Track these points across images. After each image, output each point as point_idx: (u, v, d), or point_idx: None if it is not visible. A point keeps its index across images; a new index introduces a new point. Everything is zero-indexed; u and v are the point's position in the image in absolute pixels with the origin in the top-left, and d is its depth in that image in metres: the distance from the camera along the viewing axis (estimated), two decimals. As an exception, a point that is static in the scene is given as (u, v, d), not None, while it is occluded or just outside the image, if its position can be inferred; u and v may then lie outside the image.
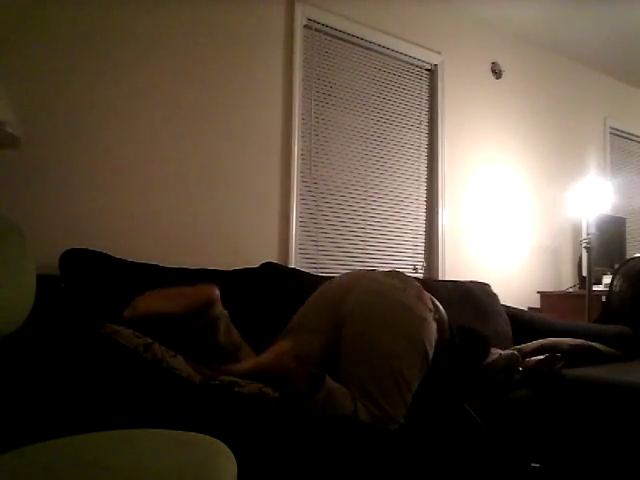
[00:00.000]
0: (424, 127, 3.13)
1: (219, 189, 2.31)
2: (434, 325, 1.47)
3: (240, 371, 1.29)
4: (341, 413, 1.30)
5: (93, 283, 1.66)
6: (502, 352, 1.91)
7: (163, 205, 2.16)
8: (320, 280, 1.90)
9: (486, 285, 2.79)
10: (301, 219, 2.57)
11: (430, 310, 1.48)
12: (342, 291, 1.53)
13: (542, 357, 1.98)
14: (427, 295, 1.52)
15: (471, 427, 1.47)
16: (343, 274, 1.69)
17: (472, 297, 2.60)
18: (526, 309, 3.19)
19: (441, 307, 1.56)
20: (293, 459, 1.14)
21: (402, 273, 1.58)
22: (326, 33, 2.72)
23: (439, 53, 3.15)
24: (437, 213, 3.08)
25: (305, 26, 2.63)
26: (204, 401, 1.15)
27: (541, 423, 1.80)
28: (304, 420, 1.24)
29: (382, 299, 1.44)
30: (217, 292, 1.48)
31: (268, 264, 2.15)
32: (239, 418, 1.15)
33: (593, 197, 3.21)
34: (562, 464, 1.83)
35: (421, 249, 3.06)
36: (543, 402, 1.85)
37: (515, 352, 1.89)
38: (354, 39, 2.81)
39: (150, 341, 1.23)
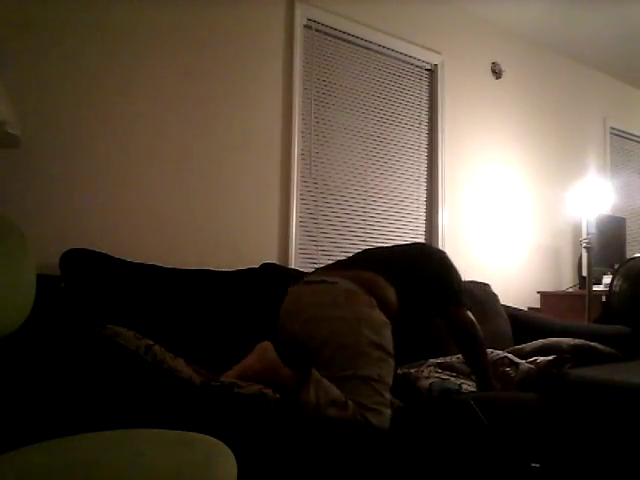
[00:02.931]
0: (424, 127, 3.13)
1: (219, 189, 2.31)
2: (375, 313, 1.56)
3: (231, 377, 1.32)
4: (333, 398, 1.33)
5: (93, 283, 1.66)
6: (520, 363, 1.89)
7: (163, 205, 2.16)
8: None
9: (486, 285, 2.79)
10: (301, 219, 2.57)
11: (365, 303, 1.56)
12: (290, 321, 1.62)
13: (551, 358, 1.96)
14: (356, 289, 1.58)
15: (474, 425, 1.47)
16: (288, 297, 1.71)
17: (472, 297, 2.59)
18: (526, 309, 3.19)
19: (383, 283, 1.65)
20: (293, 459, 1.14)
21: (324, 282, 1.64)
22: (326, 33, 2.72)
23: (439, 53, 3.15)
24: (437, 213, 3.08)
25: (305, 26, 2.63)
26: (205, 402, 1.15)
27: (541, 422, 1.80)
28: (304, 421, 1.24)
29: (317, 326, 1.52)
30: (271, 349, 1.52)
31: (268, 264, 2.15)
32: (239, 419, 1.15)
33: (593, 197, 3.21)
34: (562, 464, 1.83)
35: (421, 249, 3.05)
36: (543, 402, 1.84)
37: (533, 367, 1.88)
38: (354, 39, 2.81)
39: (151, 343, 1.23)
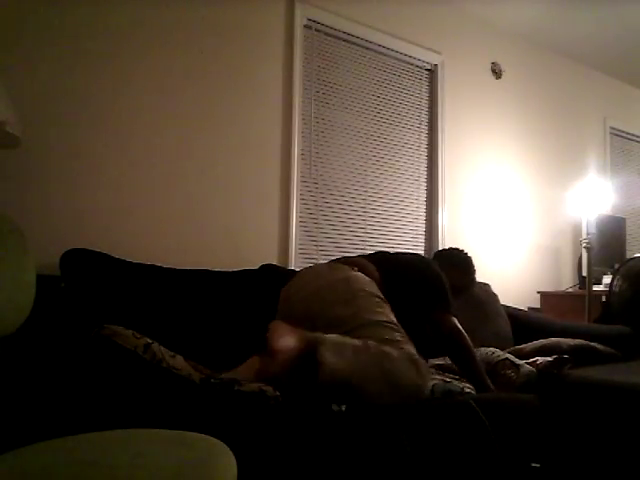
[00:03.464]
0: (424, 127, 3.13)
1: (219, 189, 2.31)
2: (360, 274, 1.67)
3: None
4: (352, 345, 1.35)
5: (93, 283, 1.66)
6: (520, 365, 1.88)
7: (163, 205, 2.16)
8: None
9: (486, 285, 2.79)
10: (301, 219, 2.57)
11: (347, 269, 1.67)
12: (287, 307, 1.68)
13: (551, 359, 1.96)
14: (337, 264, 1.77)
15: (476, 425, 1.46)
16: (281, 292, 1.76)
17: (472, 297, 2.60)
18: (526, 309, 3.19)
19: (369, 266, 1.78)
20: (293, 457, 1.14)
21: (312, 267, 1.84)
22: (326, 33, 2.72)
23: (439, 53, 3.15)
24: (437, 213, 3.08)
25: (305, 26, 2.63)
26: (205, 400, 1.15)
27: (542, 422, 1.80)
28: (304, 418, 1.24)
29: (312, 299, 1.60)
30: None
31: (267, 266, 2.16)
32: (239, 417, 1.15)
33: (593, 197, 3.21)
34: (562, 464, 1.83)
35: (421, 249, 3.05)
36: (544, 402, 1.84)
37: (533, 369, 1.87)
38: (354, 39, 2.81)
39: (150, 341, 1.23)
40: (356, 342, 1.37)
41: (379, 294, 1.61)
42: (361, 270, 1.71)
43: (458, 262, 2.15)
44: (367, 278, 1.66)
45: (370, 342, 1.39)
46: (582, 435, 1.84)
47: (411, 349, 1.45)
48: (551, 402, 1.82)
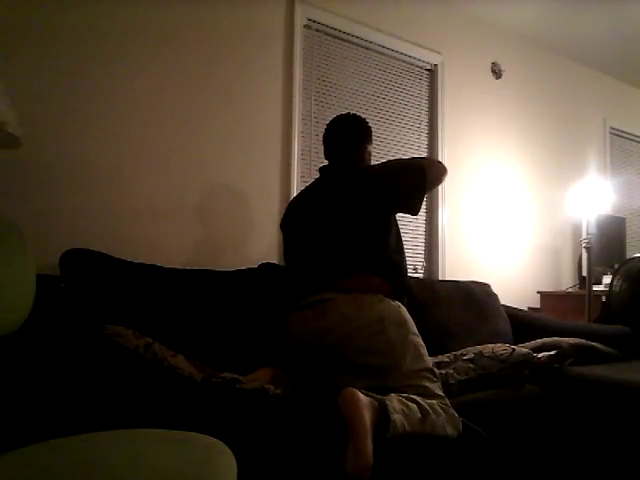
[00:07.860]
0: (424, 127, 3.13)
1: (219, 189, 2.31)
2: (386, 305, 1.58)
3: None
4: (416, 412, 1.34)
5: (93, 283, 1.66)
6: (516, 348, 1.92)
7: (163, 205, 2.16)
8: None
9: (486, 285, 2.79)
10: (301, 219, 2.56)
11: (368, 305, 1.55)
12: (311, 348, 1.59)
13: (553, 353, 1.98)
14: (354, 296, 1.59)
15: (475, 437, 1.46)
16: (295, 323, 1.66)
17: (472, 297, 2.60)
18: (526, 309, 3.19)
19: (364, 279, 1.64)
20: (294, 457, 1.14)
21: (324, 302, 1.59)
22: (326, 33, 2.72)
23: (439, 53, 3.15)
24: (437, 213, 3.08)
25: (305, 26, 2.63)
26: (207, 398, 1.15)
27: (542, 420, 1.80)
28: (305, 417, 1.24)
29: (342, 348, 1.52)
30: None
31: (266, 264, 2.16)
32: (241, 414, 1.15)
33: (593, 197, 3.21)
34: (562, 463, 1.83)
35: (421, 249, 3.05)
36: (546, 398, 1.85)
37: (531, 352, 1.90)
38: (354, 39, 2.81)
39: (150, 341, 1.23)
40: (418, 415, 1.34)
41: (413, 327, 1.58)
42: (376, 289, 1.58)
43: None
44: (396, 307, 1.58)
45: (423, 405, 1.36)
46: (581, 430, 1.84)
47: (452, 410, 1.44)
48: (552, 396, 1.83)
